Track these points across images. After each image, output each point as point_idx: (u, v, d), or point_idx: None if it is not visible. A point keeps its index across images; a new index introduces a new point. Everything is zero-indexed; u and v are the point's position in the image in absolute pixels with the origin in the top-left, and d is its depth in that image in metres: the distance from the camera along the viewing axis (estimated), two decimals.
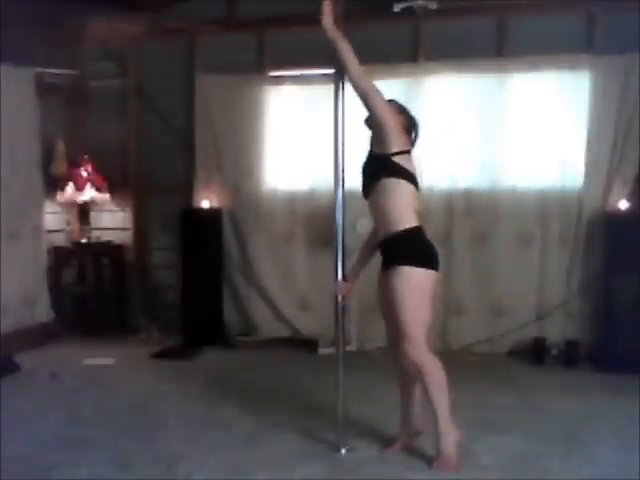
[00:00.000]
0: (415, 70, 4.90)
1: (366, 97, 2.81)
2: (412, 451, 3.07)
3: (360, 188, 3.02)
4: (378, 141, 2.88)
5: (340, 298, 3.08)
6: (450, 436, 2.88)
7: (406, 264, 2.81)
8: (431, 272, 2.85)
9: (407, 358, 2.84)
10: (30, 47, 4.99)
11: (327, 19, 2.83)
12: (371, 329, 4.99)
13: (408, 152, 2.90)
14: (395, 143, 2.84)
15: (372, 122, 2.88)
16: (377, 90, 2.83)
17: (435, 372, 2.84)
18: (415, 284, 2.81)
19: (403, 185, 2.86)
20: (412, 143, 3.00)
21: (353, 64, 2.81)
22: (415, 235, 2.87)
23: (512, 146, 4.77)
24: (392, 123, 2.84)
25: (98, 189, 5.37)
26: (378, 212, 2.91)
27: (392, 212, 2.85)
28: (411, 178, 2.88)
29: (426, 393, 2.87)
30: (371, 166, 2.95)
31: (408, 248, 2.84)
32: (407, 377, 3.03)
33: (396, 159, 2.84)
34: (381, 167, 2.87)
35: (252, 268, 5.32)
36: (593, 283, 4.66)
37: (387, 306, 2.92)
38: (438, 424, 2.86)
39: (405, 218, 2.85)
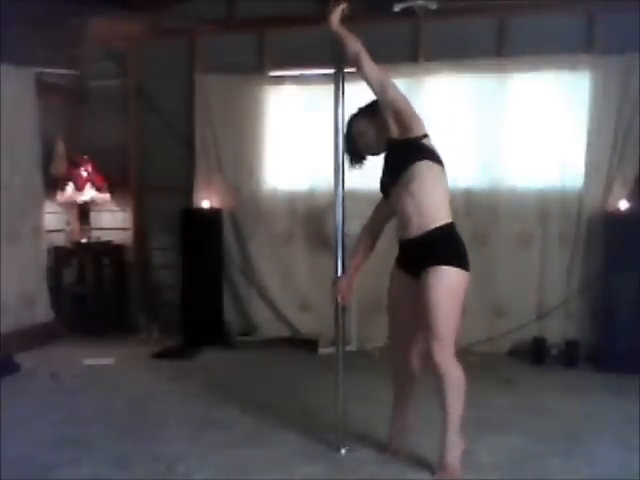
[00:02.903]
0: (415, 70, 4.90)
1: (382, 86, 2.72)
2: (412, 451, 3.07)
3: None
4: (401, 127, 2.73)
5: (339, 298, 3.03)
6: (456, 449, 2.81)
7: (445, 264, 2.66)
8: (467, 273, 2.73)
9: (433, 360, 2.69)
10: (30, 47, 4.99)
11: (334, 18, 2.80)
12: (371, 329, 5.00)
13: (428, 137, 2.78)
14: (420, 126, 2.74)
15: (389, 111, 2.73)
16: (390, 79, 2.76)
17: (458, 381, 2.73)
18: (453, 285, 2.69)
19: (438, 171, 2.73)
20: None
21: (364, 56, 2.73)
22: (452, 232, 2.74)
23: (512, 146, 4.76)
24: (411, 108, 2.74)
25: (98, 189, 5.37)
26: (409, 204, 2.70)
27: (428, 204, 2.68)
28: (443, 165, 2.76)
29: (441, 399, 2.75)
30: (396, 153, 2.77)
31: (446, 247, 2.70)
32: (410, 381, 2.99)
33: (425, 142, 2.74)
34: (412, 150, 2.71)
35: (252, 268, 5.32)
36: (593, 283, 4.66)
37: (415, 306, 2.76)
38: (446, 434, 2.77)
39: (442, 212, 2.71)
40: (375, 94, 2.77)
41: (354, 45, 2.76)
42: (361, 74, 2.76)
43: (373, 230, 3.03)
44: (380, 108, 2.79)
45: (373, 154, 2.94)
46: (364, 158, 2.97)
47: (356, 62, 2.75)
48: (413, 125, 2.73)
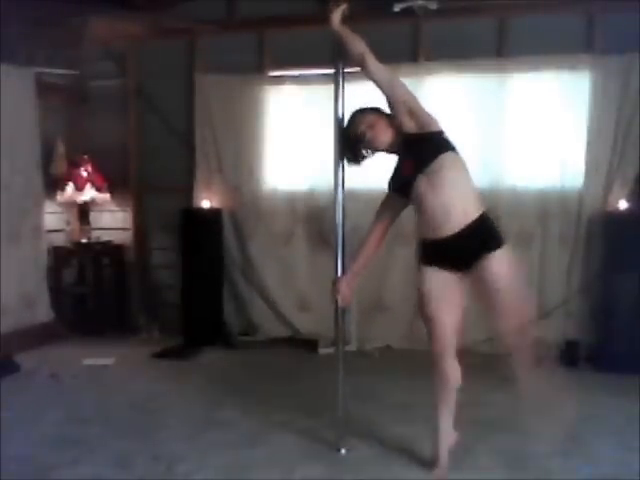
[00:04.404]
0: (415, 70, 4.89)
1: (391, 86, 2.71)
2: (412, 451, 3.08)
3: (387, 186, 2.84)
4: (418, 124, 2.70)
5: (339, 300, 2.99)
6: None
7: (500, 247, 2.65)
8: None
9: (528, 332, 2.72)
10: (30, 47, 4.99)
11: (335, 18, 2.79)
12: (371, 329, 5.00)
13: (444, 133, 2.76)
14: (436, 122, 2.71)
15: (402, 109, 2.70)
16: (398, 77, 2.76)
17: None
18: (511, 263, 2.68)
19: (464, 162, 2.71)
20: None
21: (370, 57, 2.72)
22: (490, 217, 2.72)
23: (512, 146, 4.76)
24: (422, 106, 2.73)
25: (98, 189, 5.37)
26: (444, 198, 2.62)
27: (467, 194, 2.65)
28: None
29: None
30: (418, 147, 2.68)
31: (493, 231, 2.69)
32: (451, 390, 2.88)
33: (445, 137, 2.72)
34: (436, 142, 2.67)
35: (252, 268, 5.32)
36: (593, 283, 4.66)
37: (459, 303, 2.76)
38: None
39: (477, 200, 2.67)
40: (384, 94, 2.75)
41: (358, 46, 2.75)
42: (367, 74, 2.74)
43: (381, 231, 2.92)
44: (391, 106, 2.76)
45: (381, 150, 2.84)
46: (363, 156, 2.88)
47: (361, 63, 2.74)
48: (431, 121, 2.71)
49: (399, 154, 2.82)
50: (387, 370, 4.41)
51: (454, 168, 2.68)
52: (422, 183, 2.67)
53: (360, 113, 2.87)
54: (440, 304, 2.76)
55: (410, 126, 2.72)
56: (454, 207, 2.62)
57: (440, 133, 2.72)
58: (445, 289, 2.76)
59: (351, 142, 2.88)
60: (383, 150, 2.85)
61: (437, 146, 2.68)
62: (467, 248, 2.64)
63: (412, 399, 3.75)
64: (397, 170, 2.83)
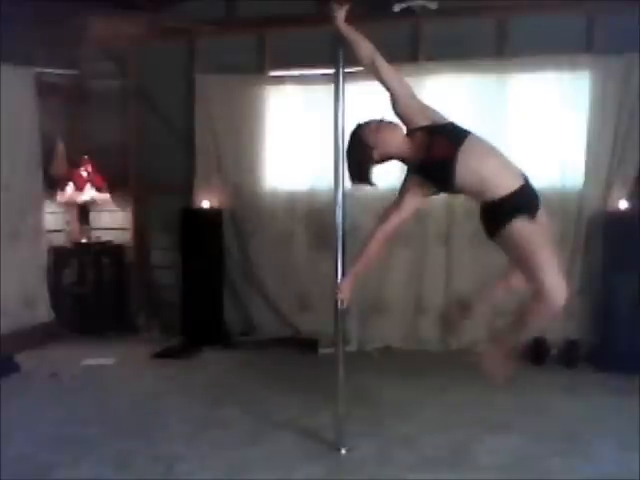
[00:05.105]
0: (415, 70, 4.88)
1: (402, 86, 2.84)
2: (412, 451, 3.08)
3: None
4: (428, 117, 2.82)
5: (340, 302, 3.00)
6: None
7: None
8: None
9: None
10: (30, 47, 4.99)
11: (340, 18, 2.83)
12: (371, 329, 5.00)
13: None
14: (443, 116, 2.86)
15: (413, 106, 2.84)
16: (404, 78, 2.90)
17: None
18: None
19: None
20: None
21: (379, 57, 2.82)
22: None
23: (512, 146, 4.75)
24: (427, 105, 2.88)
25: (98, 189, 5.37)
26: (493, 160, 2.76)
27: (507, 158, 2.77)
28: None
29: None
30: (444, 134, 2.78)
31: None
32: None
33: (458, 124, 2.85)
34: (458, 127, 2.83)
35: (252, 268, 5.32)
36: (593, 283, 4.66)
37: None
38: None
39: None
40: (392, 92, 2.82)
41: (366, 46, 2.83)
42: (376, 74, 2.83)
43: (387, 237, 2.89)
44: (399, 105, 2.82)
45: (394, 155, 2.83)
46: (371, 171, 2.84)
47: (371, 63, 2.83)
48: (441, 114, 2.84)
49: (422, 149, 2.78)
50: (387, 370, 4.42)
51: (486, 142, 2.79)
52: (466, 154, 2.70)
53: (361, 124, 2.86)
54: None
55: (421, 119, 2.80)
56: (506, 166, 2.75)
57: (453, 123, 2.83)
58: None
59: (361, 154, 2.82)
60: (395, 155, 2.84)
61: (461, 129, 2.81)
62: (535, 195, 2.85)
63: (412, 399, 3.76)
64: (422, 163, 2.79)
